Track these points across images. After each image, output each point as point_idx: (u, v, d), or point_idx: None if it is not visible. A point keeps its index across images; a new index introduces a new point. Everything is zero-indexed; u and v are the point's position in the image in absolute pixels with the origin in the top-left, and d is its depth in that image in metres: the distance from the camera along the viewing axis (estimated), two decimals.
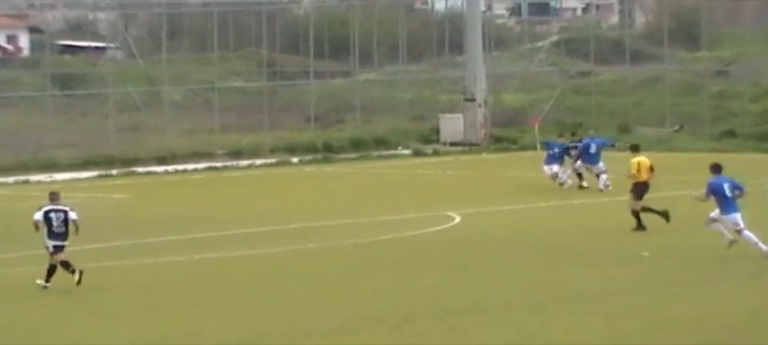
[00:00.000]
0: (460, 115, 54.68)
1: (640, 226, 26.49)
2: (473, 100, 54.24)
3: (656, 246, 24.40)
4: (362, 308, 19.14)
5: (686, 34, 62.07)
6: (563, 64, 64.15)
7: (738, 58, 59.41)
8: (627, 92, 57.09)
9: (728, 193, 22.79)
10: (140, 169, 45.76)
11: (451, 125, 54.36)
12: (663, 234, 26.36)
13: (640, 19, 79.46)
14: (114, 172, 44.89)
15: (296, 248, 25.71)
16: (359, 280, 21.83)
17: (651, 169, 27.21)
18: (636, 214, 26.68)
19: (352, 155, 49.34)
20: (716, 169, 23.03)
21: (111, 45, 63.10)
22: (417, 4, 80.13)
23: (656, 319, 17.89)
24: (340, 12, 67.05)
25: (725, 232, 22.92)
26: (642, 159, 27.42)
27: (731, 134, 50.79)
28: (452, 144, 53.08)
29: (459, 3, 60.78)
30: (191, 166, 46.31)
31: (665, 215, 26.65)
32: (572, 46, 66.70)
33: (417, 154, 50.85)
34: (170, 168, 45.49)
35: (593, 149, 35.90)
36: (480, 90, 54.42)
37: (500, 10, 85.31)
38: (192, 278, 22.58)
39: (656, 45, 60.39)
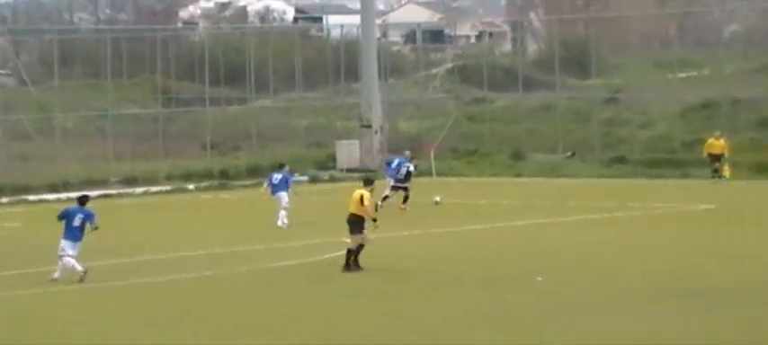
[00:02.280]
0: (357, 141, 54.90)
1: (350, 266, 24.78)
2: (369, 126, 54.51)
3: (547, 271, 24.70)
4: (254, 339, 19.09)
5: (576, 62, 63.11)
6: (457, 91, 64.76)
7: (627, 86, 60.54)
8: (520, 119, 57.84)
9: None
10: (32, 197, 45.11)
11: (348, 151, 54.55)
12: (556, 259, 26.74)
13: (532, 47, 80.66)
14: (5, 199, 44.20)
15: (192, 276, 25.55)
16: (256, 309, 21.77)
17: (361, 201, 25.02)
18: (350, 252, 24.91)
19: (249, 182, 49.23)
20: None
21: (2, 71, 62.11)
22: (313, 32, 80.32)
23: None
24: (235, 38, 66.91)
25: None
26: (362, 192, 25.21)
27: (621, 160, 51.74)
28: (349, 170, 53.23)
29: (355, 30, 61.07)
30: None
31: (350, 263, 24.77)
32: (466, 73, 67.39)
33: (314, 180, 50.90)
34: (63, 195, 44.86)
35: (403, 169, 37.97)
36: (376, 116, 54.72)
37: (395, 37, 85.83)
38: (81, 308, 22.29)
39: (547, 72, 61.30)
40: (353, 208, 25.21)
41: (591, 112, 56.25)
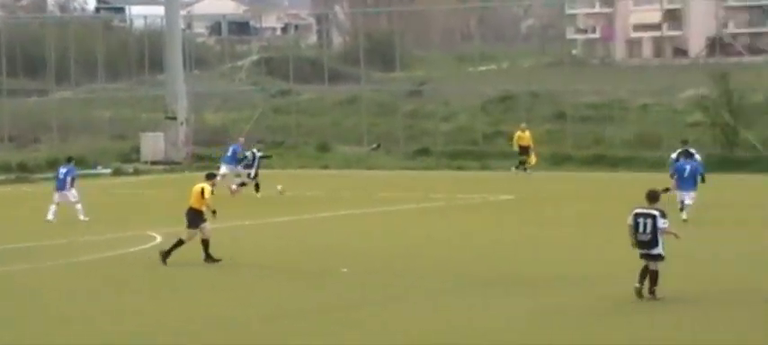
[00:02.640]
0: (161, 134, 54.32)
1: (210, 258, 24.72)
2: (174, 118, 54.01)
3: (353, 263, 25.02)
4: (55, 336, 18.79)
5: (381, 55, 63.92)
6: (263, 83, 64.75)
7: (430, 79, 61.63)
8: (326, 111, 58.23)
9: None
10: None
11: (152, 144, 53.93)
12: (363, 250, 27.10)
13: (337, 39, 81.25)
14: None
15: None
16: (54, 304, 21.41)
17: (201, 194, 24.89)
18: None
19: (50, 175, 48.10)
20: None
21: None
22: (115, 22, 78.99)
23: (353, 340, 18.40)
24: (33, 28, 65.34)
25: None
26: (204, 185, 25.16)
27: (425, 152, 52.67)
28: (154, 163, 52.66)
29: (159, 21, 60.38)
30: None
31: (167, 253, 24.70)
32: (272, 65, 67.45)
33: (118, 173, 50.15)
34: None
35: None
36: (181, 108, 54.26)
37: (200, 29, 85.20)
38: None
39: (353, 65, 61.89)
40: (193, 202, 25.11)
41: (395, 105, 57.04)
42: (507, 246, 27.53)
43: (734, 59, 54.32)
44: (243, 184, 39.12)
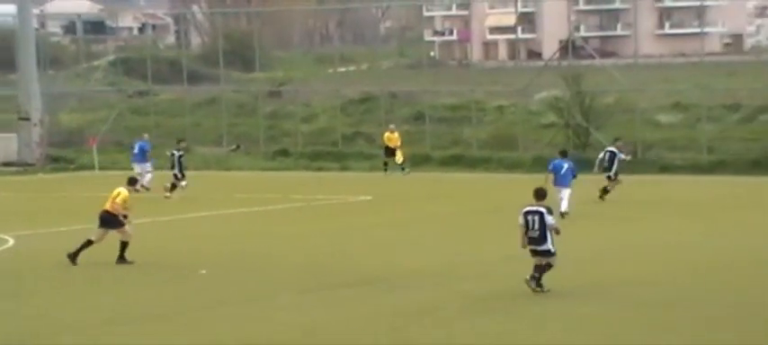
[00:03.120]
0: (14, 135, 53.27)
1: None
2: (28, 119, 53.01)
3: (212, 264, 24.95)
4: None
5: (240, 56, 63.68)
6: (121, 83, 63.95)
7: (290, 80, 61.68)
8: (185, 112, 57.77)
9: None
10: None
11: (5, 145, 52.88)
12: (222, 249, 27.03)
13: (196, 40, 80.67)
14: None
15: None
16: None
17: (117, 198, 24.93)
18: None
19: None
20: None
21: None
22: None
23: (210, 340, 18.37)
24: None
25: None
26: (121, 190, 25.22)
27: (284, 153, 52.68)
28: (6, 164, 51.63)
29: (10, 20, 59.15)
30: None
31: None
32: (129, 65, 66.65)
33: None
34: None
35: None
36: (35, 109, 53.29)
37: (54, 28, 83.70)
38: None
39: (212, 66, 61.53)
40: (108, 205, 24.98)
41: (255, 106, 56.91)
42: (364, 246, 27.74)
43: (586, 62, 55.56)
44: (174, 186, 38.58)
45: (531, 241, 20.34)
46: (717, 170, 43.66)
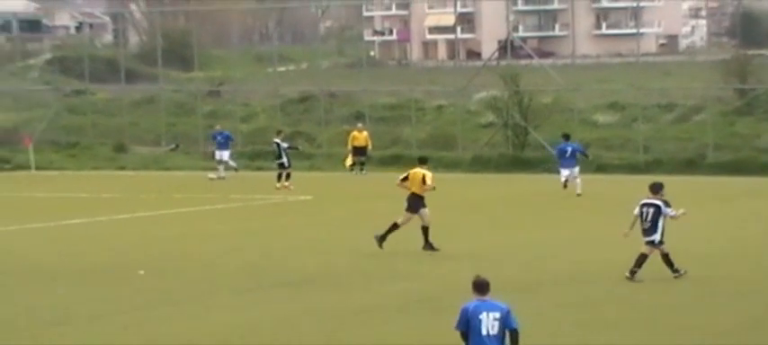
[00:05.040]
0: None
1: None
2: None
3: (150, 265, 24.89)
4: None
5: (179, 55, 63.33)
6: (57, 82, 63.40)
7: (229, 79, 61.46)
8: (123, 111, 57.38)
9: None
10: None
11: None
12: (160, 250, 26.97)
13: (134, 38, 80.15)
14: None
15: None
16: None
17: (423, 181, 25.49)
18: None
19: None
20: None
21: None
22: None
23: (147, 340, 18.35)
24: None
25: None
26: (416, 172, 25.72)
27: None
28: None
29: None
30: None
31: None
32: (66, 64, 66.09)
33: None
34: None
35: None
36: None
37: None
38: None
39: (150, 65, 61.15)
40: (415, 187, 25.31)
41: (194, 105, 56.68)
42: (302, 246, 27.76)
43: (524, 62, 55.91)
44: (280, 176, 40.39)
45: (643, 231, 21.75)
46: (652, 169, 44.12)
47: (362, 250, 26.63)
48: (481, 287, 13.27)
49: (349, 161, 46.26)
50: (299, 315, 19.64)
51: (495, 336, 12.99)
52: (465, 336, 13.00)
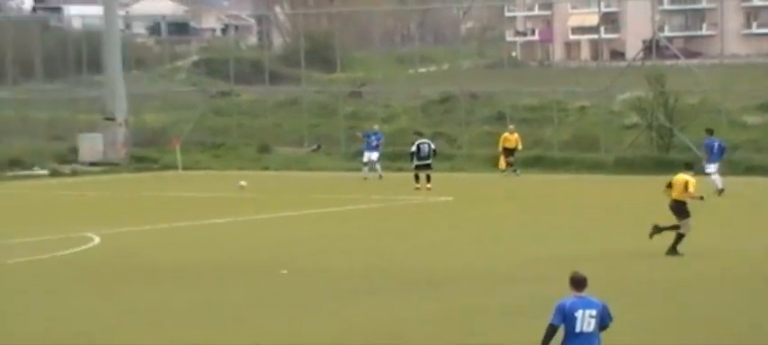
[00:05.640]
0: (100, 135, 54.00)
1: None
2: (113, 119, 53.69)
3: (293, 264, 25.09)
4: None
5: (321, 56, 63.83)
6: (203, 84, 64.51)
7: (370, 80, 61.74)
8: (266, 112, 58.11)
9: None
10: None
11: (90, 145, 53.59)
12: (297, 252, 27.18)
13: (278, 40, 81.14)
14: None
15: None
16: None
17: (685, 187, 24.73)
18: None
19: None
20: None
21: None
22: (53, 22, 78.38)
23: (291, 339, 18.45)
24: None
25: None
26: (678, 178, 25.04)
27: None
28: (92, 164, 52.33)
29: (97, 21, 59.98)
30: None
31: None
32: (212, 66, 67.21)
33: (55, 174, 49.83)
34: None
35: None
36: (120, 109, 53.96)
37: (139, 29, 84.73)
38: None
39: (293, 66, 61.76)
40: (677, 194, 24.71)
41: (336, 106, 57.07)
42: (435, 247, 27.65)
43: (669, 62, 54.84)
44: (418, 177, 40.54)
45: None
46: None
47: (500, 250, 26.43)
48: (579, 283, 12.93)
49: (502, 164, 45.94)
50: (441, 314, 19.55)
51: (590, 333, 12.71)
52: (554, 330, 12.78)
